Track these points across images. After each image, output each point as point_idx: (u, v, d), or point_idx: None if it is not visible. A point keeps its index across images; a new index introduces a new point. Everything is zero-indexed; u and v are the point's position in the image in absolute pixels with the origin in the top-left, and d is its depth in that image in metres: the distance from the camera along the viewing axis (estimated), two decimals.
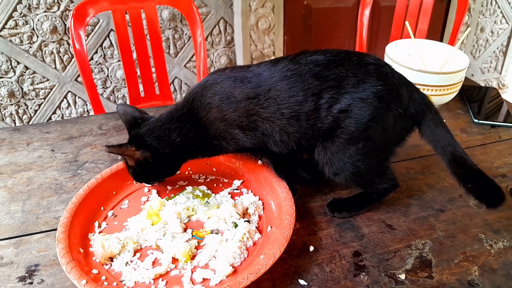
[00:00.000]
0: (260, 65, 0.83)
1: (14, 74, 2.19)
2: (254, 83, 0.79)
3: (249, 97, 0.79)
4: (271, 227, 0.80)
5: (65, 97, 2.34)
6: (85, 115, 2.42)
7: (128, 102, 1.85)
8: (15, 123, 2.31)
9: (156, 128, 0.82)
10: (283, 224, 0.76)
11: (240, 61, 2.49)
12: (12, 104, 2.26)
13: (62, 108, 2.37)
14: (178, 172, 0.93)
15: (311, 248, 0.78)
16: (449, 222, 0.84)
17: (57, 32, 2.16)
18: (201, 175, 0.95)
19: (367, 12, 2.07)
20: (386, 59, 1.16)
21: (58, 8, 2.12)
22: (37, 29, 2.13)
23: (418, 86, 1.06)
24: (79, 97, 2.36)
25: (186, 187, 0.90)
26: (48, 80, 2.26)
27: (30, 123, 2.34)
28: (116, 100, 2.44)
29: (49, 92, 2.30)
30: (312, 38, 2.59)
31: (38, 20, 2.11)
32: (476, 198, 0.79)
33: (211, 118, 0.80)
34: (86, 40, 2.18)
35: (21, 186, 0.94)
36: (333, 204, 0.86)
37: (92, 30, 2.21)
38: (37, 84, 2.26)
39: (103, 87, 2.38)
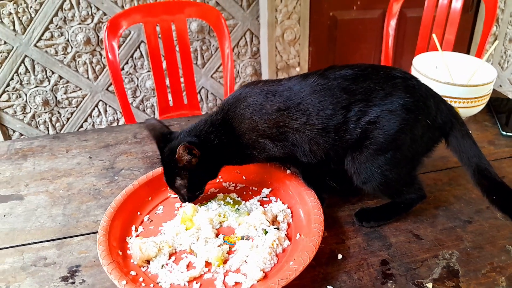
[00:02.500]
0: (291, 79, 0.86)
1: (49, 83, 2.29)
2: (285, 97, 0.83)
3: (280, 109, 0.82)
4: (300, 234, 0.82)
5: (96, 105, 2.42)
6: (115, 123, 2.50)
7: (157, 111, 1.91)
8: (48, 131, 2.41)
9: (197, 132, 0.86)
10: (312, 232, 0.79)
11: (265, 72, 2.54)
12: (46, 112, 2.36)
13: (93, 116, 2.46)
14: None
15: (339, 256, 0.80)
16: (476, 233, 0.84)
17: (90, 43, 2.25)
18: (231, 183, 0.98)
19: (393, 23, 2.08)
20: (413, 72, 1.18)
21: (92, 21, 2.21)
22: (71, 40, 2.22)
23: (445, 99, 1.08)
24: (109, 106, 2.44)
25: (217, 194, 0.93)
26: (80, 89, 2.35)
27: (63, 130, 2.43)
28: (145, 109, 2.51)
29: (81, 101, 2.39)
30: (337, 49, 2.61)
31: (73, 32, 2.20)
32: (501, 210, 0.80)
33: (243, 129, 0.84)
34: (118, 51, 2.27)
35: (61, 191, 0.99)
36: (361, 214, 0.88)
37: (124, 42, 2.29)
38: (70, 93, 2.35)
39: (133, 97, 2.46)
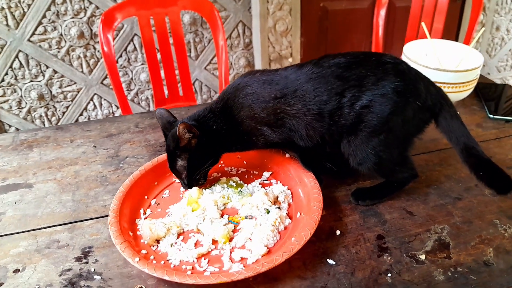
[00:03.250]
0: (287, 69, 0.91)
1: (44, 78, 2.30)
2: (282, 85, 0.88)
3: (277, 97, 0.87)
4: (300, 213, 0.87)
5: (92, 99, 2.44)
6: (111, 116, 2.52)
7: (152, 104, 1.94)
8: (44, 125, 2.42)
9: (196, 118, 0.91)
10: (312, 210, 0.84)
11: (258, 63, 2.57)
12: (41, 107, 2.38)
13: (89, 110, 2.48)
14: None
15: (338, 232, 0.85)
16: (466, 209, 0.90)
17: (84, 37, 2.26)
18: (233, 167, 1.02)
19: (382, 12, 2.13)
20: (404, 59, 1.23)
21: (85, 14, 2.22)
22: (65, 34, 2.23)
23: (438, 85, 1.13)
24: (104, 99, 2.46)
25: (220, 178, 0.98)
26: (75, 83, 2.37)
27: (58, 124, 2.45)
28: (140, 102, 2.54)
29: (76, 95, 2.40)
30: (329, 39, 2.66)
31: (66, 26, 2.22)
32: (487, 185, 0.86)
33: (242, 116, 0.89)
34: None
35: (69, 178, 1.03)
36: (357, 193, 0.93)
37: (117, 35, 2.30)
38: (65, 87, 2.36)
39: (128, 90, 2.48)
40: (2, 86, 2.26)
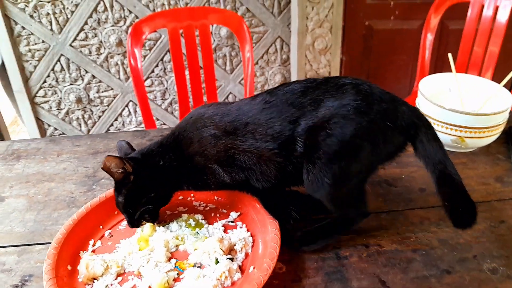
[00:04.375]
0: (243, 100, 0.84)
1: (82, 82, 2.38)
2: (233, 117, 0.80)
3: (228, 131, 0.79)
4: (253, 267, 0.77)
5: (127, 105, 2.48)
6: (143, 125, 2.55)
7: (179, 113, 1.92)
8: (81, 127, 2.50)
9: (145, 151, 0.85)
10: (262, 267, 0.73)
11: (294, 80, 2.48)
12: (79, 109, 2.45)
13: (123, 116, 2.52)
14: (181, 197, 0.95)
15: None
16: (453, 286, 0.75)
17: (122, 45, 2.31)
18: (202, 202, 0.94)
19: (430, 36, 1.96)
20: (418, 94, 1.08)
21: (124, 23, 2.27)
22: (104, 41, 2.29)
23: (450, 127, 0.98)
24: (139, 107, 2.49)
25: (182, 215, 0.90)
26: (112, 89, 2.42)
27: (94, 127, 2.52)
28: (173, 112, 2.54)
29: (112, 100, 2.46)
30: (372, 59, 2.50)
31: (106, 33, 2.27)
32: (448, 215, 0.74)
33: (192, 153, 0.81)
34: (147, 55, 2.32)
35: (40, 196, 1.00)
36: (302, 238, 0.83)
37: (154, 45, 2.32)
38: (102, 92, 2.42)
39: (162, 99, 2.50)
40: (44, 87, 2.36)
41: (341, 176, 0.75)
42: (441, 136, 0.81)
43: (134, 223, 0.83)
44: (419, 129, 0.78)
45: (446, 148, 0.80)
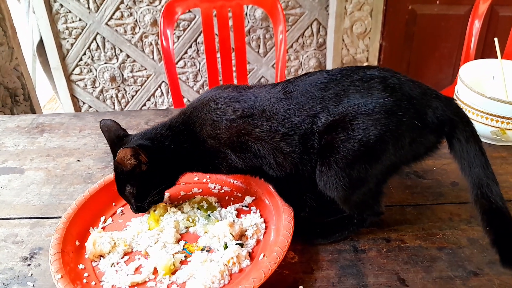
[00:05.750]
0: (262, 87, 0.78)
1: (117, 61, 2.39)
2: (250, 103, 0.75)
3: (243, 116, 0.74)
4: (263, 255, 0.73)
5: (159, 86, 2.48)
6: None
7: None
8: (114, 105, 2.53)
9: (152, 135, 0.79)
10: (271, 256, 0.69)
11: (329, 65, 2.39)
12: (113, 88, 2.48)
13: (156, 96, 2.52)
14: (197, 178, 0.92)
15: None
16: None
17: (156, 25, 2.29)
18: (217, 185, 0.91)
19: (477, 23, 1.82)
20: (459, 81, 0.99)
21: (160, 3, 2.25)
22: (139, 21, 2.29)
23: (491, 118, 0.90)
24: (170, 88, 2.48)
25: (195, 196, 0.87)
26: (145, 69, 2.43)
27: (127, 107, 2.54)
28: None
29: (146, 80, 2.46)
30: (414, 46, 2.37)
31: (141, 12, 2.26)
32: (493, 245, 0.65)
33: (204, 135, 0.76)
34: (181, 35, 2.30)
35: (58, 170, 1.00)
36: (312, 230, 0.78)
37: (188, 25, 2.30)
38: (136, 72, 2.43)
39: (194, 81, 2.48)
40: (80, 65, 2.39)
41: (359, 181, 0.70)
42: (479, 127, 0.73)
43: (142, 209, 0.80)
44: (456, 126, 0.70)
45: (484, 140, 0.72)
